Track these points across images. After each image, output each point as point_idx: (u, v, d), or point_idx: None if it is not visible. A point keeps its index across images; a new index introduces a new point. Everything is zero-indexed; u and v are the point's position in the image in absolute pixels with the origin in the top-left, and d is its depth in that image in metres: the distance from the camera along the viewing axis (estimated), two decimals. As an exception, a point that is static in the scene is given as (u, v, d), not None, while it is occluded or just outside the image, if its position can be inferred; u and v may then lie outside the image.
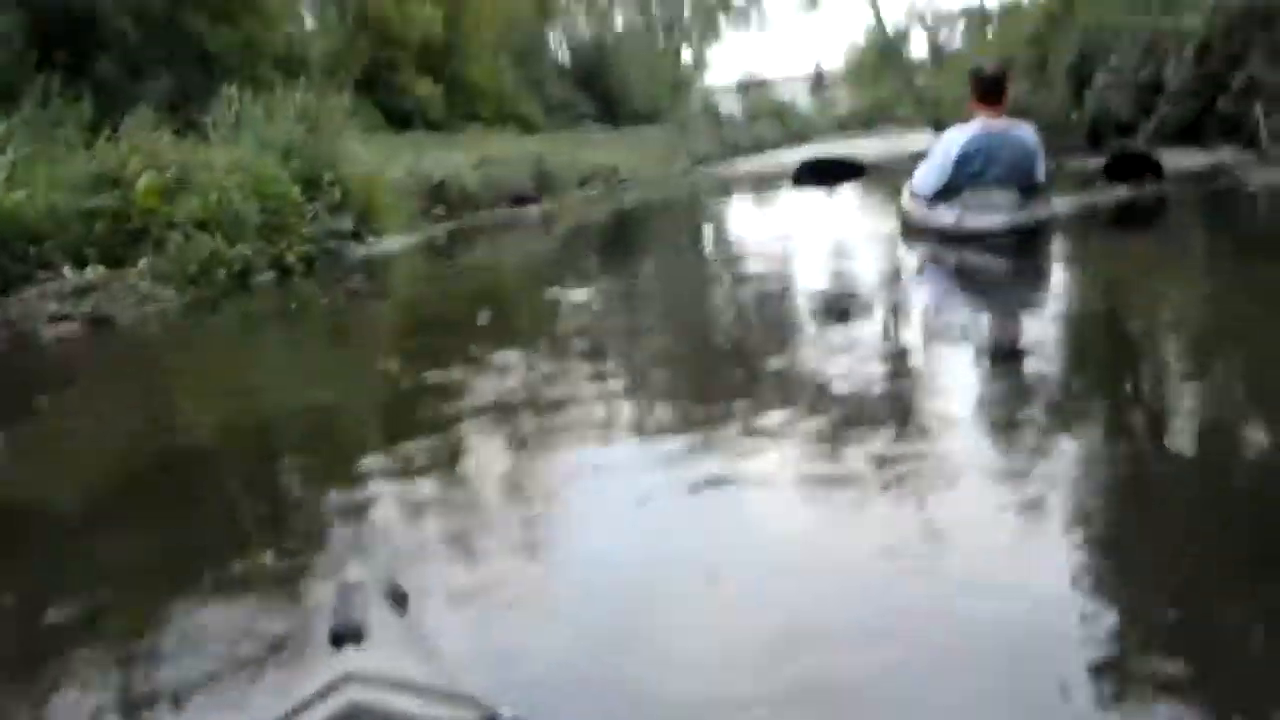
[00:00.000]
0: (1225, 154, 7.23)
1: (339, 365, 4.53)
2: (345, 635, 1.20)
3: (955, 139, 5.20)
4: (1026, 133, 5.24)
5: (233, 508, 2.44)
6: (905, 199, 5.77)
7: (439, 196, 10.59)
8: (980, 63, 5.86)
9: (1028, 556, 1.80)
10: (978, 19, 38.33)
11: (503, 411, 3.11)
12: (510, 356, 3.88)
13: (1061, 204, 5.82)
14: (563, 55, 33.21)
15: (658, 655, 1.60)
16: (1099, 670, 1.40)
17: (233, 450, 3.11)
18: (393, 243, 8.70)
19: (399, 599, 1.42)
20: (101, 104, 8.26)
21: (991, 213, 5.03)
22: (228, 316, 6.17)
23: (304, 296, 6.65)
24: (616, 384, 3.48)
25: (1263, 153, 6.41)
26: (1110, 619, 1.55)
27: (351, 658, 1.14)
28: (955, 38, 41.17)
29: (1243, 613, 1.55)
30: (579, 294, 5.42)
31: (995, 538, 1.86)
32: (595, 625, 1.69)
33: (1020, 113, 17.23)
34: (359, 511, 2.32)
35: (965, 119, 5.36)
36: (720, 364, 3.64)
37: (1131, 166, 6.56)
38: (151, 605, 1.96)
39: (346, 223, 8.09)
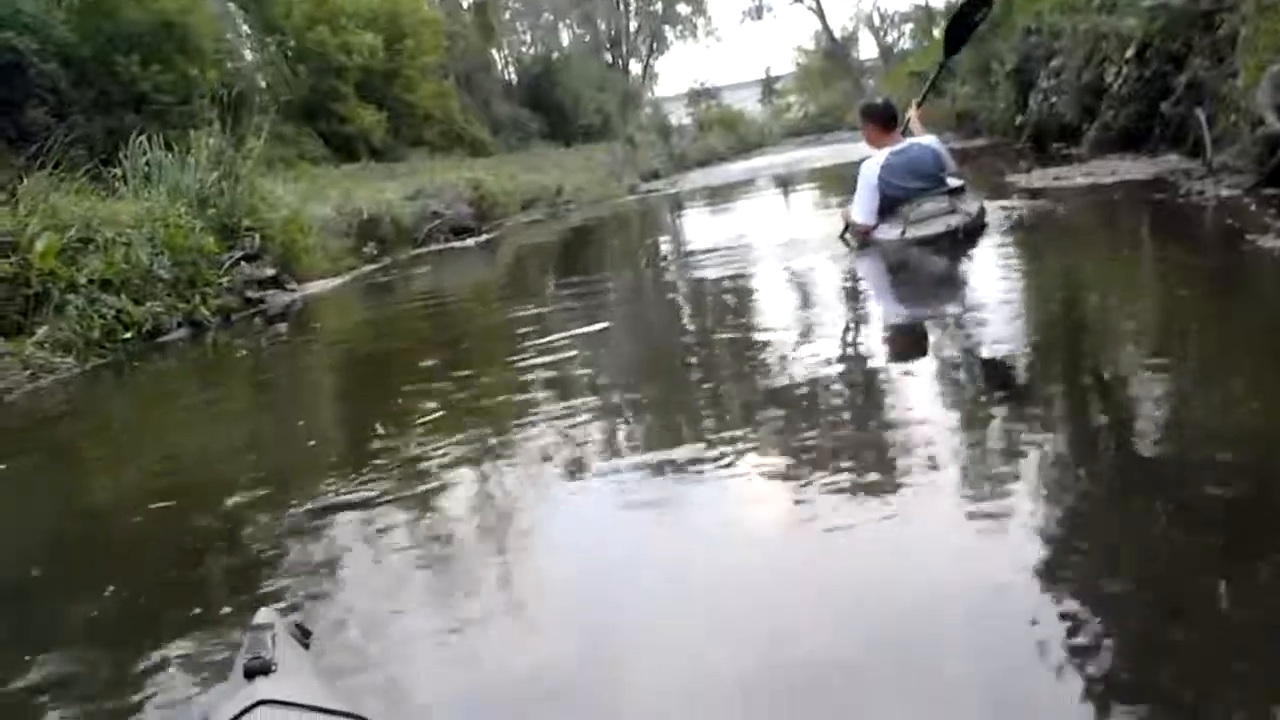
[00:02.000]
0: (1171, 161, 7.01)
1: (249, 420, 4.29)
2: (256, 669, 1.38)
3: (872, 168, 5.54)
4: (930, 142, 5.68)
5: (147, 570, 2.55)
6: (847, 231, 5.84)
7: (370, 234, 10.16)
8: (872, 96, 6.26)
9: (995, 572, 1.80)
10: (924, 19, 38.62)
11: (438, 446, 3.10)
12: (442, 390, 3.90)
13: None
14: (509, 74, 32.95)
15: (611, 689, 1.68)
16: (1061, 672, 1.45)
17: (142, 514, 3.03)
18: (318, 287, 8.31)
19: (304, 636, 1.68)
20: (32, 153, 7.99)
21: (931, 220, 5.32)
22: (134, 381, 5.77)
23: (218, 352, 6.29)
24: (560, 415, 3.32)
25: (1207, 162, 6.18)
26: (1068, 620, 1.58)
27: (262, 687, 1.33)
28: (903, 39, 41.52)
29: (1209, 612, 1.59)
30: (517, 326, 5.35)
31: (961, 549, 1.91)
32: (549, 653, 1.80)
33: (967, 117, 17.16)
34: (276, 557, 2.41)
35: (872, 146, 5.72)
36: (672, 386, 3.61)
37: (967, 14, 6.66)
38: (81, 657, 2.10)
39: (267, 270, 7.70)
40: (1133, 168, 7.15)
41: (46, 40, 12.04)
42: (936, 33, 32.11)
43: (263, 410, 4.59)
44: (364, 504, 2.67)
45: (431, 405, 3.72)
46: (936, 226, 5.30)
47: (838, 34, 44.97)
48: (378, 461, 3.05)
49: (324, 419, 3.99)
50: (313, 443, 3.65)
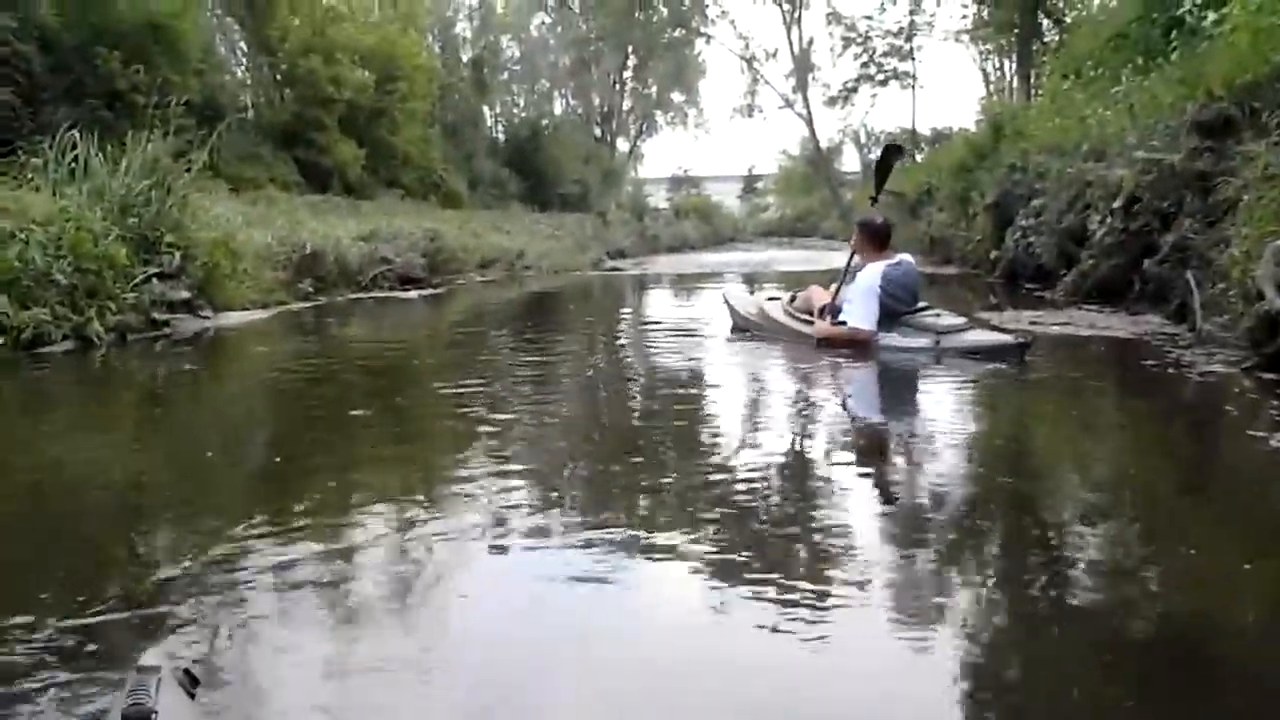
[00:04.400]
0: (1153, 322, 6.68)
1: (90, 451, 3.80)
2: (134, 716, 1.32)
3: (872, 278, 5.78)
4: (912, 262, 6.08)
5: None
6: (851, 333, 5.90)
7: (309, 269, 9.55)
8: (868, 214, 6.46)
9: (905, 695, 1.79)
10: (908, 141, 39.36)
11: (334, 502, 3.00)
12: (346, 447, 3.77)
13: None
14: (497, 133, 32.88)
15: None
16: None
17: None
18: (237, 318, 7.67)
19: (191, 684, 1.57)
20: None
21: (960, 332, 5.62)
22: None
23: (94, 373, 5.66)
24: (470, 489, 3.12)
25: (1196, 329, 5.83)
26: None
27: None
28: (885, 158, 42.14)
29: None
30: (444, 390, 5.20)
31: (878, 667, 1.90)
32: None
33: (940, 243, 17.15)
34: (163, 598, 2.20)
35: (867, 258, 5.99)
36: (597, 481, 3.37)
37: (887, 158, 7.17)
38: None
39: (182, 292, 7.08)
40: (1113, 323, 6.80)
41: (26, 21, 11.63)
42: (920, 157, 32.70)
43: (111, 445, 3.95)
44: (266, 560, 2.44)
45: (325, 463, 3.53)
46: (975, 339, 5.56)
47: (823, 143, 45.53)
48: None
49: (196, 461, 3.71)
50: (167, 487, 3.36)
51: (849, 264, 6.24)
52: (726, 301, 7.40)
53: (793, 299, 6.65)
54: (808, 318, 6.27)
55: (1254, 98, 6.99)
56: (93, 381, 5.57)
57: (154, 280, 6.85)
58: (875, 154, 41.39)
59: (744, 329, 6.83)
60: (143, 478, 3.48)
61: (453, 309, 10.40)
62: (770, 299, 7.14)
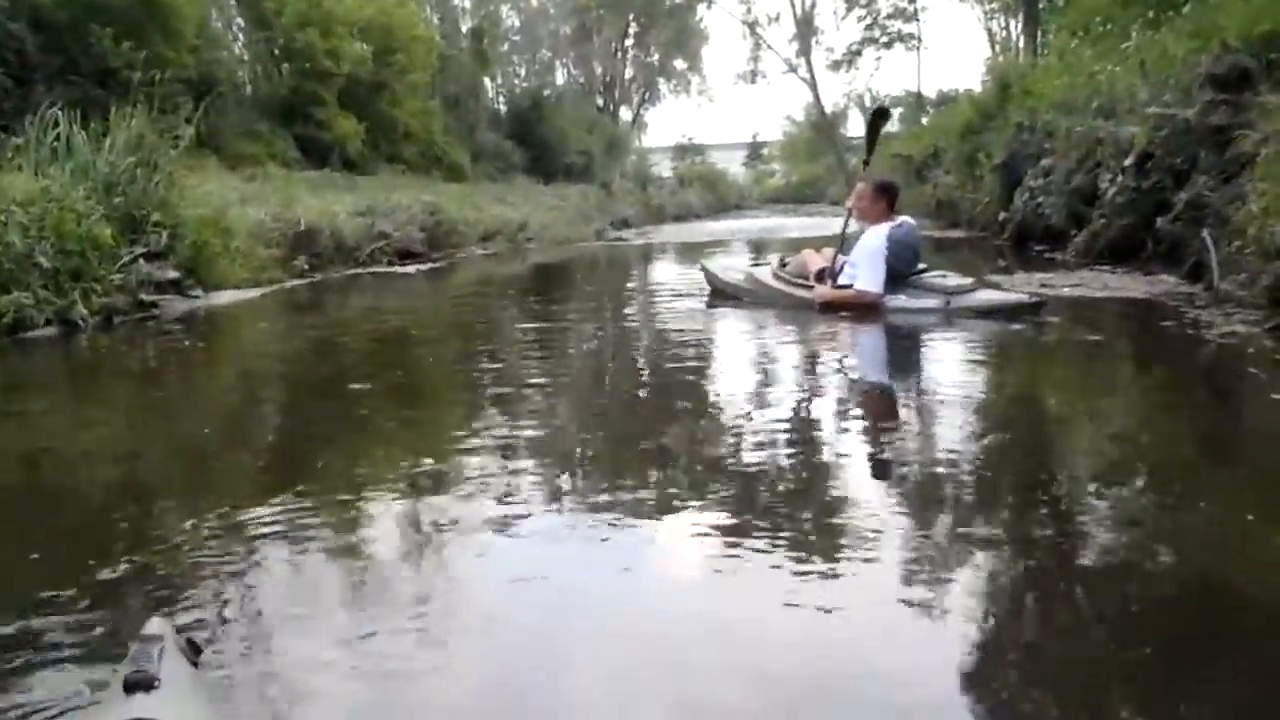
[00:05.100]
0: (1167, 282, 6.48)
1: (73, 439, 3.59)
2: (137, 683, 1.32)
3: (877, 240, 5.70)
4: (914, 224, 6.05)
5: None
6: (828, 305, 5.90)
7: (305, 246, 9.37)
8: (876, 173, 6.54)
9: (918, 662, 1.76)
10: (914, 105, 38.91)
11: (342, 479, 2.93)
12: (345, 428, 3.65)
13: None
14: (499, 104, 32.58)
15: None
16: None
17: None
18: (229, 297, 7.50)
19: (194, 652, 1.59)
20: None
21: (969, 293, 5.58)
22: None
23: (80, 358, 5.51)
24: (481, 468, 2.99)
25: (1214, 289, 5.63)
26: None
27: (140, 704, 1.29)
28: (892, 121, 41.78)
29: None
30: (445, 365, 5.14)
31: (888, 633, 1.87)
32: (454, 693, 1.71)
33: (947, 206, 16.90)
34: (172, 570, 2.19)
35: (872, 219, 5.91)
36: (615, 464, 3.18)
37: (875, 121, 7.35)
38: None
39: (170, 272, 6.92)
40: (1126, 284, 6.59)
41: (18, 1, 11.40)
42: (925, 120, 32.31)
43: (99, 426, 3.81)
44: (269, 531, 2.43)
45: (323, 438, 3.52)
46: (987, 298, 5.56)
47: (828, 109, 45.10)
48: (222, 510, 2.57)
49: (189, 440, 3.63)
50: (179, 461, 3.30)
51: (845, 227, 6.25)
52: (704, 269, 7.40)
53: (783, 264, 6.54)
54: (804, 282, 6.16)
55: (1271, 48, 6.76)
56: (77, 365, 5.43)
57: (140, 260, 6.69)
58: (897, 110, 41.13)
59: (731, 295, 6.72)
60: (135, 457, 3.40)
61: (451, 283, 10.22)
62: (754, 264, 7.08)
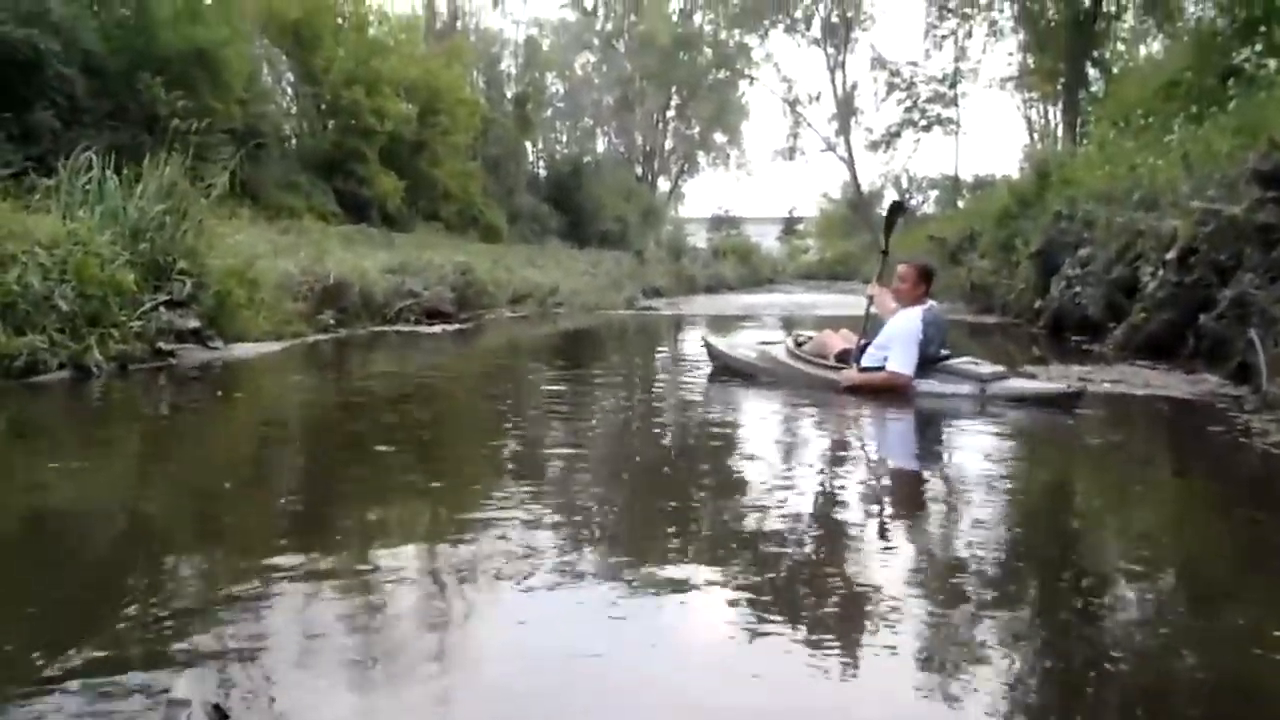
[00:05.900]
0: (1210, 382, 6.23)
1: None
2: None
3: (912, 323, 5.68)
4: (940, 309, 6.04)
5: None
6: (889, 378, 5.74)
7: (332, 300, 9.33)
8: (913, 256, 6.57)
9: None
10: (950, 187, 38.94)
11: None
12: (361, 495, 3.51)
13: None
14: (539, 169, 32.97)
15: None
16: None
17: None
18: (250, 350, 7.43)
19: (220, 717, 1.59)
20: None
21: (1002, 379, 5.60)
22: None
23: (87, 405, 5.40)
24: (499, 534, 2.94)
25: (1261, 392, 5.39)
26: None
27: None
28: (928, 203, 41.82)
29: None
30: (468, 431, 5.10)
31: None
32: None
33: (981, 291, 16.74)
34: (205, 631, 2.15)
35: (909, 302, 5.85)
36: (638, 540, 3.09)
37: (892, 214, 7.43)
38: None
39: (191, 321, 6.86)
40: (1168, 382, 6.33)
41: (72, 45, 11.67)
42: (961, 203, 32.26)
43: (103, 479, 3.67)
44: (292, 594, 2.42)
45: (339, 500, 3.46)
46: (1022, 387, 5.56)
47: (865, 188, 45.23)
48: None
49: (202, 496, 3.54)
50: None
51: (869, 309, 6.18)
52: (707, 344, 7.29)
53: (799, 343, 6.42)
54: (826, 362, 6.05)
55: (1321, 148, 6.59)
56: (85, 412, 5.32)
57: (162, 308, 6.64)
58: (915, 200, 41.20)
59: (740, 373, 6.59)
60: (147, 514, 3.33)
61: (476, 346, 10.13)
62: (763, 343, 7.02)
